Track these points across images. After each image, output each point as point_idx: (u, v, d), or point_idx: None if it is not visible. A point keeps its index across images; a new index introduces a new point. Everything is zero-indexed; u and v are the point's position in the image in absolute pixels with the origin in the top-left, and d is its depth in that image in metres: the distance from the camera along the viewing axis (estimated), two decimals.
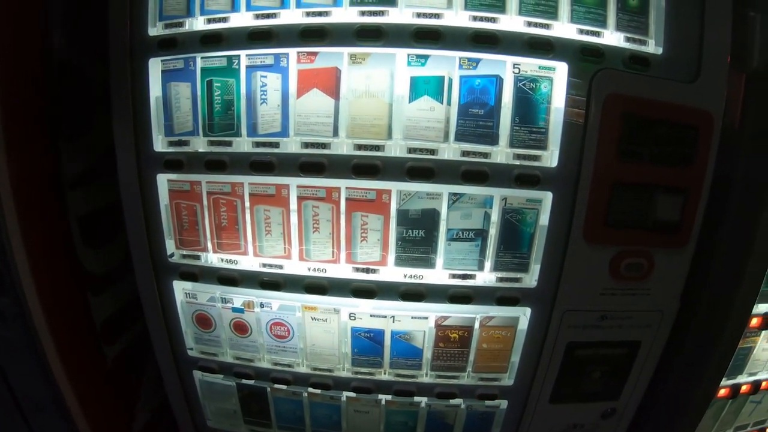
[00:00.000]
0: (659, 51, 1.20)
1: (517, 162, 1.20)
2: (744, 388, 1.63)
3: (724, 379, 1.53)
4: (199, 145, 1.27)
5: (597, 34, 1.18)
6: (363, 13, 1.17)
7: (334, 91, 1.19)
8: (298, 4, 1.19)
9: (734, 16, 1.19)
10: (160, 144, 1.29)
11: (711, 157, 1.21)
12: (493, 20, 1.16)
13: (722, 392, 1.59)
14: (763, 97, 1.28)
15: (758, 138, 1.29)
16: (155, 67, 1.26)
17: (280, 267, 1.31)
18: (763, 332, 1.56)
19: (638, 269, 1.26)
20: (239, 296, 1.37)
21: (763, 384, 1.67)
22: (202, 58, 1.24)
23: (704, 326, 1.42)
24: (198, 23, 1.24)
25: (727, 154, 1.26)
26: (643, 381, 1.42)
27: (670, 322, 1.34)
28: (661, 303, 1.31)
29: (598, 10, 1.19)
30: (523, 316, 1.33)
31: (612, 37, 1.19)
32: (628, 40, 1.20)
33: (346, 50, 1.18)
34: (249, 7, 1.21)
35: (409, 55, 1.17)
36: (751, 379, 1.64)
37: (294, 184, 1.24)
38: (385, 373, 1.39)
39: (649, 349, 1.36)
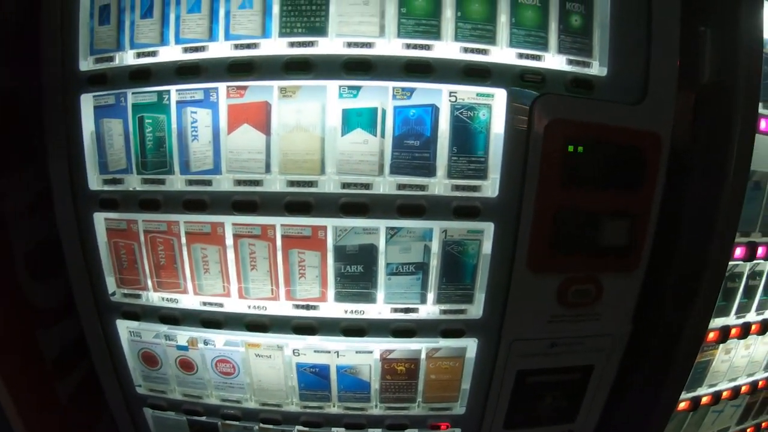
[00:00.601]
0: (604, 72, 1.18)
1: (456, 193, 1.17)
2: (704, 399, 1.63)
3: (683, 392, 1.52)
4: (134, 183, 1.24)
5: (537, 57, 1.15)
6: (292, 44, 1.14)
7: (264, 126, 1.16)
8: (227, 36, 1.16)
9: (682, 32, 1.15)
10: (95, 182, 1.26)
11: (659, 178, 1.18)
12: (427, 47, 1.13)
13: (682, 405, 1.59)
14: (714, 115, 1.25)
15: (708, 156, 1.27)
16: (87, 102, 1.23)
17: (221, 305, 1.29)
18: (721, 345, 1.56)
19: (586, 295, 1.24)
20: (183, 333, 1.35)
21: (724, 394, 1.67)
22: (132, 93, 1.21)
23: (660, 345, 1.41)
24: (128, 57, 1.21)
25: (677, 174, 1.24)
26: (598, 402, 1.41)
27: (622, 344, 1.33)
28: (612, 327, 1.30)
29: (538, 33, 1.16)
30: (472, 343, 1.31)
31: (554, 60, 1.16)
32: (570, 62, 1.17)
33: (275, 83, 1.15)
34: (178, 40, 1.18)
35: (340, 86, 1.14)
36: (711, 390, 1.64)
37: (229, 221, 1.22)
38: (334, 407, 1.38)
39: (602, 372, 1.35)
